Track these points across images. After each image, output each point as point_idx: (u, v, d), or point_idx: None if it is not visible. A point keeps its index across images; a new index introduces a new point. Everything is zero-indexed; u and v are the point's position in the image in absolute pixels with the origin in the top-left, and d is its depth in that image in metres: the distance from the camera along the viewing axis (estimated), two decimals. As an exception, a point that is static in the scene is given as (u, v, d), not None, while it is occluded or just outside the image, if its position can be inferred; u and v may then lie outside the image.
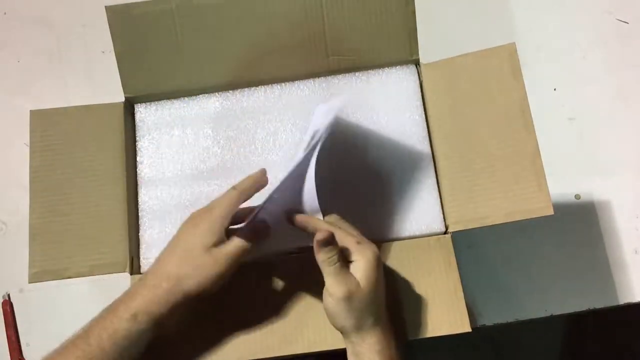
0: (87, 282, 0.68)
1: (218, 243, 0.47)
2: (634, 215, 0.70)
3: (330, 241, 0.46)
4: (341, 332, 0.49)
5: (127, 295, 0.47)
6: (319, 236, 0.46)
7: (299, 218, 0.50)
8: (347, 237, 0.48)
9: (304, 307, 0.54)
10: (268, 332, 0.53)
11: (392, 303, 0.53)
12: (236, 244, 0.48)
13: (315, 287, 0.54)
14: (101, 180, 0.56)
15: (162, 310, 0.46)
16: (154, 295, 0.46)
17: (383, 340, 0.47)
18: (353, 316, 0.46)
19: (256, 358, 0.52)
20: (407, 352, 0.48)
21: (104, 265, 0.54)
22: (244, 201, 0.50)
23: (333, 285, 0.46)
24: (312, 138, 0.51)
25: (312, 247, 0.47)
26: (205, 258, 0.46)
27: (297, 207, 0.51)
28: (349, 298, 0.46)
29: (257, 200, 0.50)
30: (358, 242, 0.47)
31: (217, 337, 0.53)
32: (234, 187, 0.50)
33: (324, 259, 0.46)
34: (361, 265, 0.46)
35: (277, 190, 0.48)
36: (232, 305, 0.54)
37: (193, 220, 0.49)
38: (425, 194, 0.59)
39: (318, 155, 0.50)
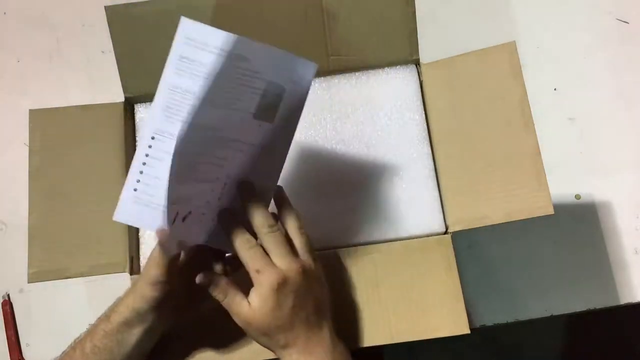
0: (86, 282, 0.68)
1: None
2: (634, 215, 0.70)
3: (207, 283, 0.46)
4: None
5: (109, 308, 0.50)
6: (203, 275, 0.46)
7: (203, 276, 0.46)
8: (250, 262, 0.45)
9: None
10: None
11: (392, 303, 0.53)
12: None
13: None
14: (101, 180, 0.56)
15: (126, 311, 0.47)
16: (124, 296, 0.48)
17: (310, 355, 0.46)
18: (261, 342, 0.47)
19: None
20: (407, 352, 0.48)
21: (104, 265, 0.54)
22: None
23: (232, 316, 0.46)
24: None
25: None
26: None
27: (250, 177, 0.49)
28: (246, 327, 0.46)
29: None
30: (257, 271, 0.45)
31: (219, 338, 0.53)
32: None
33: (214, 293, 0.46)
34: (253, 296, 0.45)
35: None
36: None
37: None
38: (425, 194, 0.59)
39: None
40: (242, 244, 0.46)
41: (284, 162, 0.49)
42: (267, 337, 0.46)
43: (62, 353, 0.48)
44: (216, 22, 0.58)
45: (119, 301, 0.49)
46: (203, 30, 0.44)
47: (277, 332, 0.45)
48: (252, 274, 0.45)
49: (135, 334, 0.48)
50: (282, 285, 0.44)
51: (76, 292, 0.68)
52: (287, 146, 0.49)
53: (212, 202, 0.48)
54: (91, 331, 0.48)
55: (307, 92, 0.48)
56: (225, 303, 0.46)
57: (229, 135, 0.46)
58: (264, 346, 0.47)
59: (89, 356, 0.47)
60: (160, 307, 0.47)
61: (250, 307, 0.45)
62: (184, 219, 0.46)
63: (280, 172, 0.50)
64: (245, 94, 0.45)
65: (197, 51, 0.44)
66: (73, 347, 0.48)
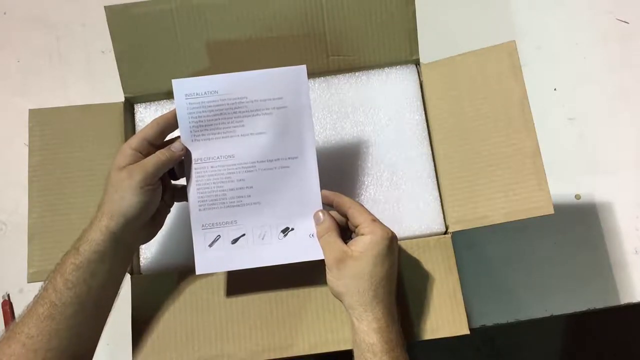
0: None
1: (133, 162, 0.48)
2: (634, 215, 0.70)
3: (320, 216, 0.51)
4: (342, 303, 0.49)
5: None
6: (315, 213, 0.51)
7: (324, 193, 0.52)
8: (363, 214, 0.49)
9: (304, 309, 0.54)
10: (269, 334, 0.53)
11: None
12: (152, 157, 0.49)
13: (315, 289, 0.54)
14: (100, 180, 0.56)
15: (99, 237, 0.46)
16: (90, 226, 0.47)
17: (382, 319, 0.46)
18: (344, 284, 0.47)
19: None
20: (407, 351, 0.48)
21: (104, 265, 0.54)
22: (159, 131, 0.50)
23: (325, 254, 0.49)
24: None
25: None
26: (121, 174, 0.47)
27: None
28: (336, 265, 0.47)
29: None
30: (373, 220, 0.48)
31: (219, 338, 0.53)
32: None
33: (317, 231, 0.51)
34: (365, 240, 0.47)
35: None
36: (234, 307, 0.54)
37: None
38: (425, 194, 0.59)
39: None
40: (357, 205, 0.50)
41: (315, 162, 0.52)
42: (352, 282, 0.47)
43: (35, 297, 0.46)
44: (217, 22, 0.58)
45: (84, 234, 0.47)
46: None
47: (369, 281, 0.46)
48: (366, 223, 0.48)
49: (107, 262, 0.47)
50: (391, 239, 0.48)
51: (76, 292, 0.68)
52: (313, 144, 0.52)
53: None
54: (58, 269, 0.46)
55: (306, 92, 0.51)
56: (322, 240, 0.50)
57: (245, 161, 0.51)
58: (340, 296, 0.48)
59: (62, 292, 0.45)
60: (135, 222, 0.47)
61: (347, 249, 0.48)
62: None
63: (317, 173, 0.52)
64: (243, 119, 0.51)
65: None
66: (45, 287, 0.46)
